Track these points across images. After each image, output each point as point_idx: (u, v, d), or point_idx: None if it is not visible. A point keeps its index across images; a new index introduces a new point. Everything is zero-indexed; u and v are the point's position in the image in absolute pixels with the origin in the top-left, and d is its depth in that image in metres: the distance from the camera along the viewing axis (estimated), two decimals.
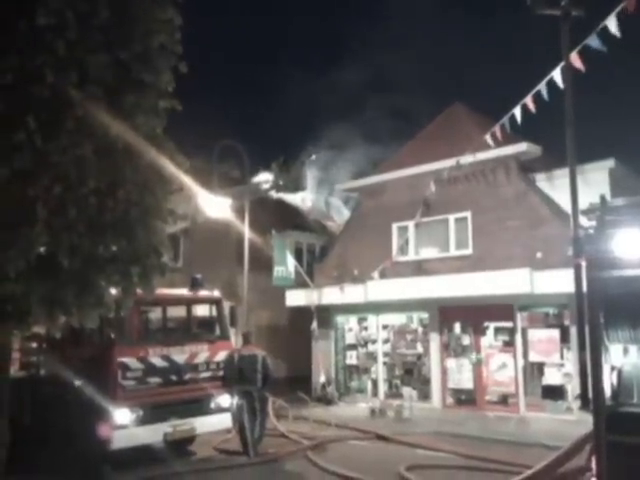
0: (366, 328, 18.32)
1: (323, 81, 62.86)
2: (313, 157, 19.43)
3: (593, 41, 8.58)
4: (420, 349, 16.92)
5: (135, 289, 6.41)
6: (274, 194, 18.80)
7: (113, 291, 6.68)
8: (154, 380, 9.77)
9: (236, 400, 10.25)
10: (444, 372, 16.04)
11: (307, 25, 70.09)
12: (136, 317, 10.05)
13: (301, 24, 70.18)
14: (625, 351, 5.67)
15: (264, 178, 16.81)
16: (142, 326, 10.81)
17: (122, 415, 9.25)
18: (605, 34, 8.58)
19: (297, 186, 16.74)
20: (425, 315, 16.74)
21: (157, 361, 9.84)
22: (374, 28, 64.46)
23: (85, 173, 5.70)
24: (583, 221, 7.04)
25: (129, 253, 6.11)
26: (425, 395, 16.38)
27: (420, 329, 17.08)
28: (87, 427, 9.11)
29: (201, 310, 11.71)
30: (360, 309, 17.67)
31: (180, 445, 10.66)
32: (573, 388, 13.25)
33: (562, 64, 8.69)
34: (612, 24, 8.46)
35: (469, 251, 15.70)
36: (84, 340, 9.73)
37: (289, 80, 65.61)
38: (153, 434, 9.59)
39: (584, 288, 5.90)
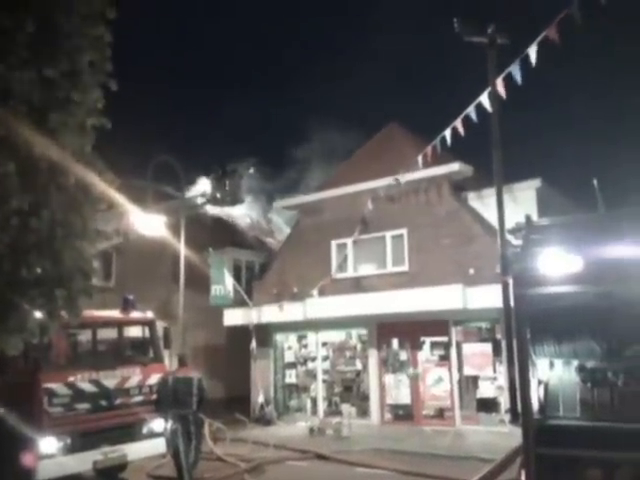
0: (305, 346, 18.30)
1: (261, 96, 63.09)
2: (251, 170, 19.26)
3: (515, 68, 9.00)
4: (359, 365, 17.03)
5: (60, 313, 6.15)
6: (211, 208, 18.52)
7: (37, 315, 6.39)
8: (83, 406, 9.42)
9: (170, 424, 9.96)
10: (382, 388, 16.18)
11: (245, 40, 70.29)
12: (63, 341, 9.68)
13: (239, 39, 70.30)
14: (551, 365, 5.86)
15: (200, 191, 16.51)
16: (70, 350, 10.41)
17: (48, 444, 8.86)
18: (528, 61, 9.00)
19: (235, 199, 16.51)
20: (364, 331, 16.88)
21: (86, 386, 9.51)
22: (313, 46, 65.30)
23: (7, 192, 5.46)
24: (512, 239, 7.31)
25: (54, 275, 5.86)
26: (364, 412, 16.46)
27: (359, 345, 17.21)
28: (10, 457, 8.66)
29: (134, 332, 11.38)
30: (299, 327, 17.63)
31: (111, 473, 10.27)
32: (506, 401, 13.61)
33: (488, 89, 9.06)
34: (534, 53, 8.88)
35: (405, 268, 15.99)
36: (7, 365, 9.25)
37: (226, 96, 65.44)
38: (82, 462, 9.24)
39: (511, 305, 6.08)
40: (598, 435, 5.03)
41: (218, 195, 15.94)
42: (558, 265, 5.14)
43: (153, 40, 66.44)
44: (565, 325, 5.51)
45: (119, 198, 7.23)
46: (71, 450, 9.08)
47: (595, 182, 7.32)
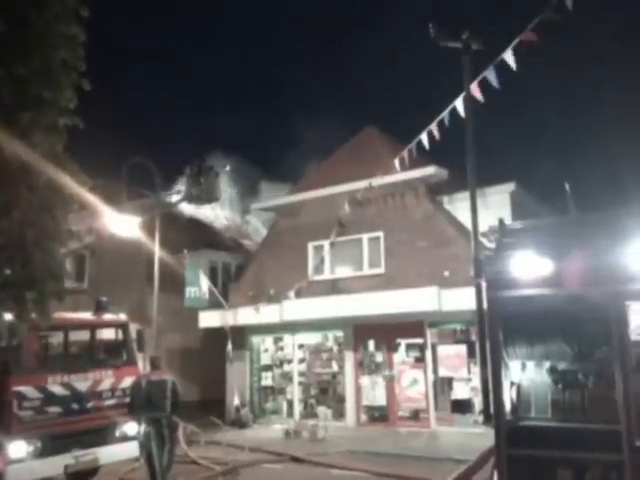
0: (282, 348, 18.24)
1: (236, 96, 62.90)
2: (227, 168, 19.10)
3: (491, 73, 9.12)
4: (335, 367, 17.04)
5: (30, 315, 6.04)
6: (187, 208, 18.33)
7: (7, 317, 6.27)
8: (54, 409, 9.24)
9: (143, 428, 9.83)
10: (358, 390, 16.20)
11: (219, 41, 70.04)
12: (34, 343, 9.48)
13: (213, 40, 70.03)
14: (523, 367, 5.92)
15: (176, 189, 16.33)
16: (41, 352, 10.21)
17: (18, 448, 8.67)
18: (503, 66, 9.14)
19: (210, 197, 16.32)
20: (340, 333, 16.89)
21: (57, 389, 9.33)
22: (290, 50, 65.33)
23: None
24: (486, 242, 7.38)
25: (24, 277, 5.76)
26: (340, 414, 16.47)
27: (335, 347, 17.21)
28: None
29: (107, 334, 11.22)
30: (276, 329, 17.57)
31: (83, 477, 10.09)
32: (480, 402, 13.74)
33: (463, 94, 9.16)
34: (509, 57, 9.02)
35: (382, 270, 16.05)
36: None
37: (201, 96, 65.09)
38: (53, 467, 9.06)
39: (485, 307, 6.14)
40: (569, 436, 5.11)
41: (194, 192, 15.75)
42: (530, 268, 5.21)
43: (133, 38, 65.82)
44: (537, 327, 5.58)
45: (92, 198, 7.14)
46: (42, 454, 8.90)
47: (567, 186, 7.44)
